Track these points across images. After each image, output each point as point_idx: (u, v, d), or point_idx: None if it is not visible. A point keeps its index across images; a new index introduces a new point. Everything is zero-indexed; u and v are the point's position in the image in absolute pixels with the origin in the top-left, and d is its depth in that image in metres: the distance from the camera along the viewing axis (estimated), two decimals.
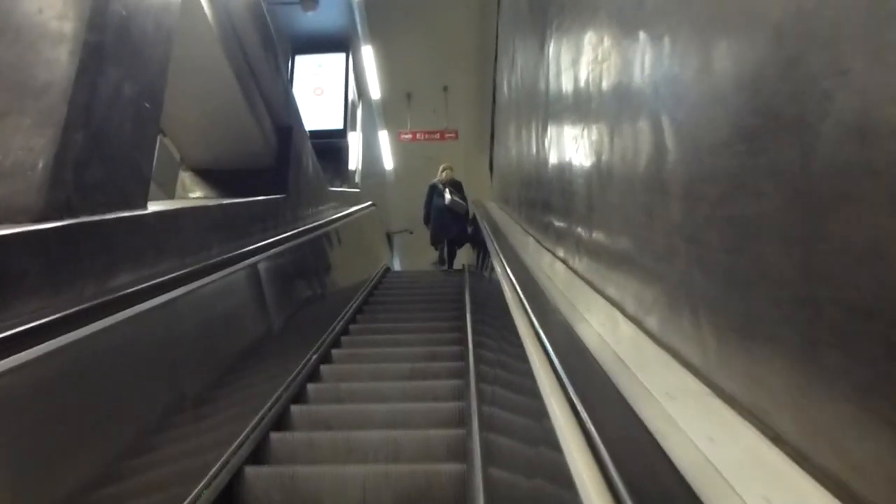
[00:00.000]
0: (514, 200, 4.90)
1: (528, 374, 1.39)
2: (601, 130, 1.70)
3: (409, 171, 14.07)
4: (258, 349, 3.13)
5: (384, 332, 4.67)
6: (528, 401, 1.41)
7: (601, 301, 1.58)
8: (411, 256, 21.07)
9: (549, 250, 2.74)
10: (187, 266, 2.46)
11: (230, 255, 2.88)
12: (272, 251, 3.51)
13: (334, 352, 4.08)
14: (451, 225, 7.79)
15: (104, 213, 2.11)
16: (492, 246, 3.96)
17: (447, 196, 7.69)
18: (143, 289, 2.01)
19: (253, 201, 3.77)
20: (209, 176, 4.67)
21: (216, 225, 3.01)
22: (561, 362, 1.17)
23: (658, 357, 1.11)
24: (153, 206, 2.53)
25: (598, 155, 1.71)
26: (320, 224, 5.13)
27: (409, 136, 11.15)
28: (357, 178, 9.64)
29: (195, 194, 4.65)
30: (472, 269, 6.99)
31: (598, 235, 1.74)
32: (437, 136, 11.08)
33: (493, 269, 3.83)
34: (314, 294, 4.33)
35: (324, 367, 3.75)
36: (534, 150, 3.49)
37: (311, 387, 3.45)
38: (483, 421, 2.51)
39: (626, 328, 1.31)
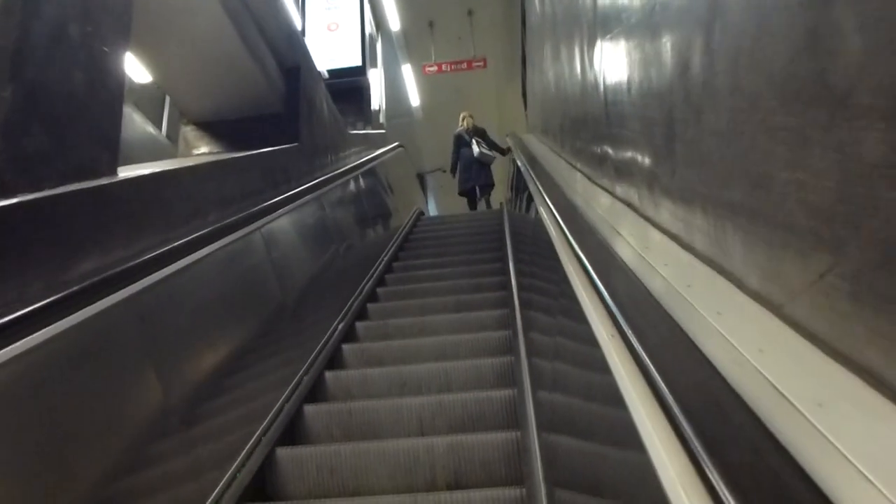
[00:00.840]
0: (555, 130, 4.39)
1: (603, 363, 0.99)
2: (687, 29, 1.23)
3: (438, 106, 13.48)
4: (272, 328, 2.79)
5: (416, 294, 4.26)
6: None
7: (703, 270, 1.14)
8: (446, 198, 20.60)
9: (605, 189, 2.28)
10: (172, 241, 2.10)
11: (228, 221, 2.50)
12: (282, 210, 3.13)
13: (358, 324, 3.70)
14: (479, 174, 7.92)
15: (54, 187, 1.73)
16: (534, 186, 3.51)
17: (475, 148, 7.77)
18: (101, 281, 1.64)
19: (257, 154, 3.37)
20: (213, 129, 4.26)
21: (212, 187, 2.62)
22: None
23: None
24: (127, 172, 2.15)
25: (684, 64, 1.24)
26: (341, 172, 4.72)
27: (434, 68, 10.53)
28: (381, 119, 9.13)
29: (199, 150, 4.26)
30: (510, 209, 6.56)
31: (688, 175, 1.28)
32: (464, 65, 10.44)
33: (534, 206, 3.41)
34: (335, 252, 3.96)
35: (345, 346, 3.38)
36: (578, 70, 2.98)
37: (328, 374, 3.10)
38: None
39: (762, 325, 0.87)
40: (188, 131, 4.30)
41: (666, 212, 1.45)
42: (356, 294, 4.01)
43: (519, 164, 5.00)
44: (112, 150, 2.07)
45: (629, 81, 1.75)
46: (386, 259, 4.93)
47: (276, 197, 3.25)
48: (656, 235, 1.46)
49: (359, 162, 5.47)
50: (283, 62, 4.28)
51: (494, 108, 14.14)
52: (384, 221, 5.71)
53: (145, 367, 1.83)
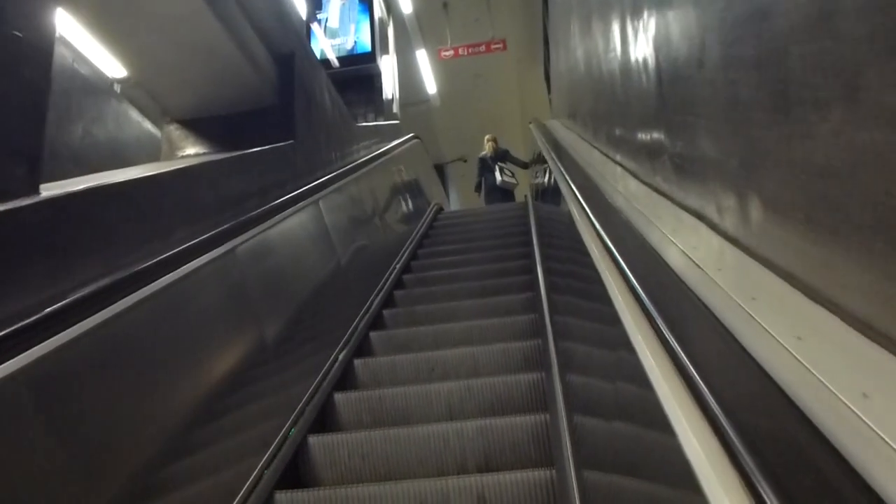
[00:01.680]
0: (585, 115, 3.92)
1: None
2: None
3: (456, 93, 13.02)
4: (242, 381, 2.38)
5: (433, 319, 3.71)
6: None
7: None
8: (468, 188, 20.10)
9: (661, 192, 1.82)
10: (117, 271, 1.69)
11: (194, 242, 2.09)
12: (267, 223, 2.71)
13: (357, 362, 3.23)
14: (503, 199, 8.51)
15: None
16: (563, 182, 3.05)
17: (498, 176, 8.44)
18: None
19: (239, 157, 2.96)
20: (199, 127, 3.86)
21: (176, 200, 2.21)
22: None
23: None
24: (55, 190, 1.74)
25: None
26: (344, 171, 4.31)
27: (451, 52, 10.05)
28: (395, 109, 8.69)
29: (185, 151, 3.87)
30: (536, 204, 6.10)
31: (823, 185, 0.83)
32: (482, 48, 9.94)
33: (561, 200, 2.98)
34: (335, 269, 3.54)
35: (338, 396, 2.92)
36: (617, 44, 2.51)
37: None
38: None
39: None
40: (171, 130, 3.92)
41: (773, 237, 0.99)
42: (352, 329, 3.48)
43: (544, 154, 4.53)
44: (31, 164, 1.66)
45: (703, 51, 1.29)
46: (394, 273, 4.47)
47: (263, 205, 2.85)
48: (760, 274, 1.01)
49: (367, 157, 5.05)
50: (275, 48, 3.86)
51: (516, 93, 13.63)
52: (396, 223, 5.28)
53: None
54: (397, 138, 7.08)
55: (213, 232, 2.16)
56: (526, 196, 7.64)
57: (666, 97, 1.66)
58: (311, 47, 4.32)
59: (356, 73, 7.86)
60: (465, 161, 17.21)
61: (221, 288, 2.23)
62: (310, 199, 3.31)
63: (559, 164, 3.43)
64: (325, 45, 8.08)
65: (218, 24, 3.23)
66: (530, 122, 7.10)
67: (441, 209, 7.77)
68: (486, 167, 8.68)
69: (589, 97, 3.61)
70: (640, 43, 1.96)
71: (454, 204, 19.30)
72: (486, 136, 8.88)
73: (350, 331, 3.37)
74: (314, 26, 8.31)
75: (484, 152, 8.81)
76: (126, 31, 3.15)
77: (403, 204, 5.76)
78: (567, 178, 2.92)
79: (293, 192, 3.15)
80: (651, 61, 1.80)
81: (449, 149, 16.37)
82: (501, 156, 8.65)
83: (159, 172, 2.28)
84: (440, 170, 16.95)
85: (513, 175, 8.57)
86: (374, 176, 4.95)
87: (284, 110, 3.82)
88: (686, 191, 1.52)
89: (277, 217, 2.86)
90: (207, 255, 2.07)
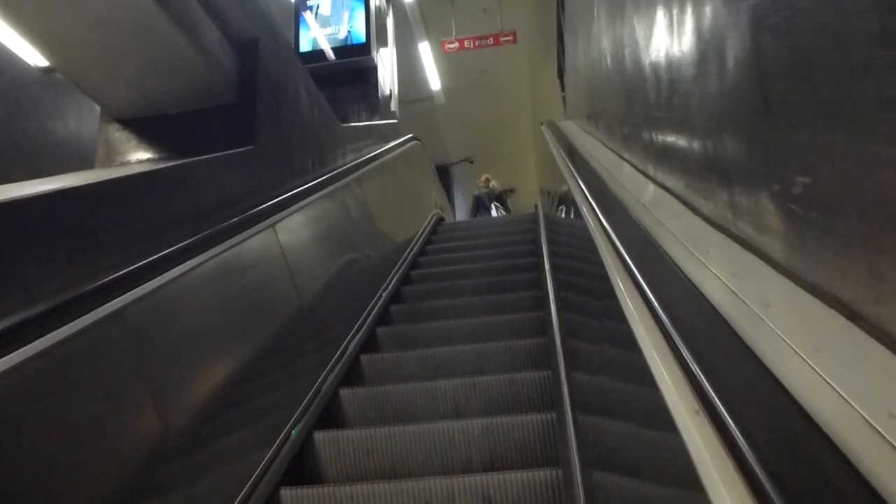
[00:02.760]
0: (611, 121, 3.31)
1: None
2: None
3: (463, 90, 12.44)
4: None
5: (418, 377, 3.15)
6: None
7: None
8: (475, 191, 19.47)
9: (747, 244, 1.22)
10: None
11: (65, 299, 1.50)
12: (191, 262, 2.12)
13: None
14: None
15: None
16: (584, 201, 2.44)
17: (493, 212, 9.11)
18: None
19: (168, 170, 2.37)
20: (145, 127, 3.28)
21: (53, 235, 1.63)
22: None
23: None
24: None
25: None
26: (321, 181, 3.72)
27: (455, 44, 9.45)
28: (393, 106, 8.09)
29: (127, 157, 3.29)
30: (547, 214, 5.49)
31: None
32: (490, 40, 9.33)
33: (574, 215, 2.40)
34: (292, 314, 2.93)
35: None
36: (668, 32, 1.91)
37: None
38: None
39: None
40: (111, 131, 3.33)
41: None
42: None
43: (558, 162, 3.92)
44: None
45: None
46: (376, 311, 3.86)
47: (195, 234, 2.26)
48: None
49: (352, 164, 4.46)
50: (234, 34, 3.28)
51: (527, 91, 13.02)
52: (386, 240, 4.68)
53: None
54: (394, 139, 6.49)
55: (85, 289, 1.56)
56: (536, 207, 7.04)
57: (775, 101, 1.05)
58: (282, 33, 3.72)
59: (349, 66, 7.27)
60: (472, 162, 16.64)
61: (99, 370, 1.63)
62: (262, 224, 2.72)
63: (578, 179, 2.83)
64: (318, 35, 7.50)
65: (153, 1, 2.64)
66: (542, 124, 6.49)
67: (442, 219, 7.18)
68: (481, 204, 9.38)
69: (617, 98, 3.01)
70: (718, 20, 1.35)
71: (459, 206, 18.73)
72: (484, 175, 9.84)
73: (311, 394, 2.78)
74: (306, 14, 7.74)
75: (480, 191, 9.48)
76: (35, 6, 2.57)
77: (396, 216, 5.17)
78: (590, 200, 2.32)
79: (232, 220, 2.55)
80: (746, 47, 1.19)
81: (454, 149, 15.79)
82: (497, 196, 9.50)
83: (47, 191, 1.70)
84: (445, 171, 16.37)
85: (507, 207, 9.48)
86: (359, 185, 4.36)
87: (244, 109, 3.24)
88: (822, 262, 0.92)
89: (212, 251, 2.27)
90: (64, 328, 1.46)
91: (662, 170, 2.05)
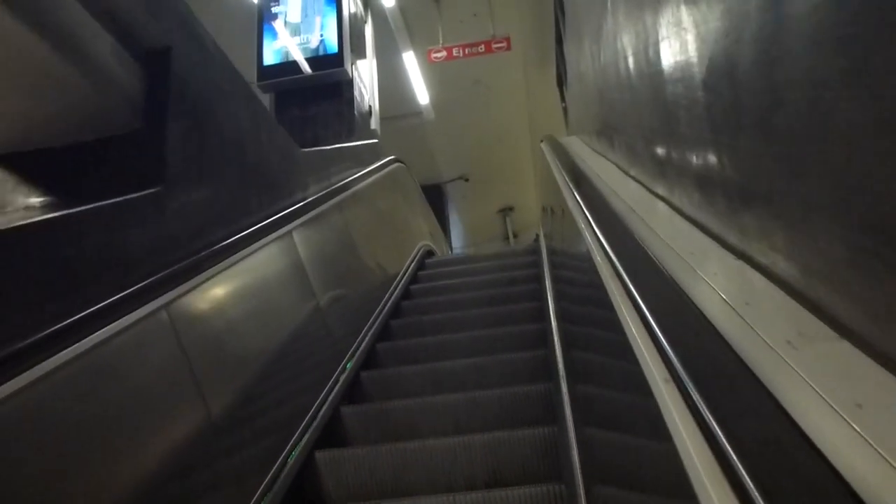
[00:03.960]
0: (633, 140, 2.62)
1: None
2: None
3: (454, 103, 11.79)
4: None
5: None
6: None
7: None
8: (471, 212, 18.70)
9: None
10: None
11: None
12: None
13: None
14: None
15: None
16: (614, 282, 1.72)
17: None
18: None
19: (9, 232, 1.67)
20: (21, 165, 2.58)
21: None
22: None
23: None
24: None
25: None
26: (265, 226, 3.02)
27: (443, 53, 8.78)
28: (373, 124, 7.41)
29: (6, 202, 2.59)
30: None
31: None
32: (482, 48, 8.67)
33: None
34: (207, 430, 2.18)
35: None
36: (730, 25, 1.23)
37: None
38: None
39: None
40: None
41: None
42: None
43: (564, 193, 3.20)
44: None
45: None
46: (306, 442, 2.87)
47: (57, 325, 1.56)
48: None
49: (313, 198, 3.76)
50: (134, 40, 2.58)
51: (523, 101, 12.37)
52: (349, 300, 3.90)
53: None
54: (374, 161, 5.80)
55: None
56: (537, 236, 6.34)
57: None
58: (209, 39, 3.04)
59: (321, 80, 6.60)
60: (467, 180, 15.97)
61: None
62: (153, 304, 2.00)
63: (594, 227, 2.10)
64: (291, 46, 6.83)
65: None
66: (542, 141, 5.80)
67: (430, 253, 6.47)
68: None
69: (646, 111, 2.31)
70: None
71: (455, 226, 18.02)
72: None
73: None
74: (276, 24, 7.06)
75: None
76: None
77: (370, 259, 4.44)
78: (619, 273, 1.61)
79: (117, 296, 1.84)
80: None
81: (447, 167, 15.13)
82: None
83: None
84: (438, 190, 15.69)
85: None
86: (321, 225, 3.65)
87: (150, 138, 2.54)
88: None
89: (62, 355, 1.56)
90: None
91: (744, 229, 1.35)
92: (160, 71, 2.65)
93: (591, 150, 4.02)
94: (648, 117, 2.20)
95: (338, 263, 3.79)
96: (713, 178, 1.51)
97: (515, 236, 19.99)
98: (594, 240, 1.92)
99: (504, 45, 8.67)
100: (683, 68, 1.67)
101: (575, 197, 2.63)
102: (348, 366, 3.29)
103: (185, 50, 2.78)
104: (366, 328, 3.74)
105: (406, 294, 4.65)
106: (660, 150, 2.05)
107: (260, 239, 3.01)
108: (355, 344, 3.56)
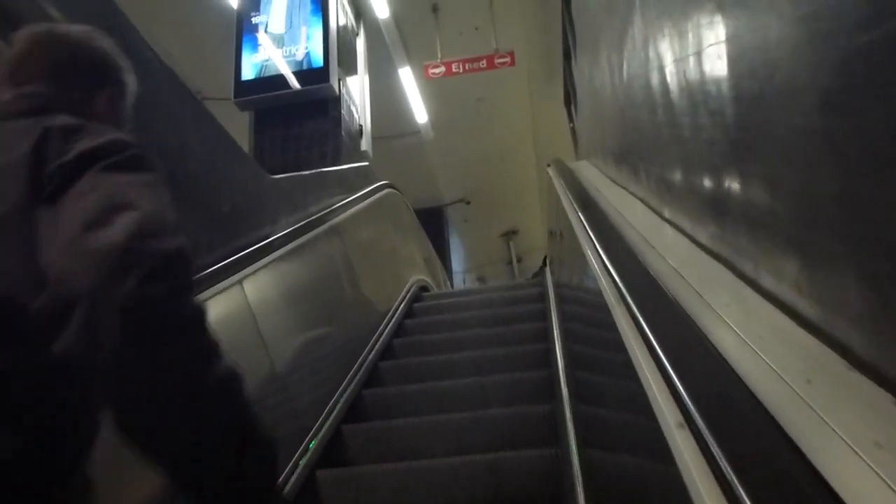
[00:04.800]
0: (667, 172, 2.11)
1: None
2: None
3: (455, 121, 11.36)
4: None
5: None
6: None
7: None
8: (474, 235, 18.17)
9: None
10: None
11: None
12: None
13: None
14: None
15: None
16: (638, 342, 1.19)
17: None
18: None
19: None
20: None
21: None
22: None
23: None
24: None
25: None
26: (212, 273, 2.50)
27: (441, 69, 8.33)
28: (364, 145, 6.92)
29: None
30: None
31: None
32: (483, 63, 8.23)
33: None
34: None
35: None
36: None
37: None
38: None
39: None
40: None
41: None
42: None
43: (576, 229, 2.66)
44: None
45: None
46: None
47: None
48: None
49: (283, 234, 3.26)
50: None
51: (528, 120, 11.92)
52: (320, 359, 3.33)
53: None
54: (363, 187, 5.30)
55: None
56: (544, 267, 5.82)
57: None
58: (145, 50, 2.53)
59: (305, 96, 6.12)
60: (469, 203, 15.51)
61: None
62: None
63: (623, 291, 1.57)
64: (276, 59, 6.37)
65: None
66: (549, 165, 5.31)
67: (424, 288, 5.95)
68: None
69: (688, 135, 1.80)
70: None
71: (456, 252, 17.51)
72: None
73: None
74: (260, 36, 6.60)
75: None
76: None
77: (344, 309, 3.89)
78: (660, 356, 1.08)
79: None
80: None
81: (447, 189, 14.66)
82: None
83: None
84: (438, 214, 15.22)
85: None
86: (280, 270, 3.12)
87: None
88: None
89: None
90: None
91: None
92: None
93: (608, 179, 3.51)
94: (700, 146, 1.69)
95: (304, 319, 3.24)
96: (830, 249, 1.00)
97: (519, 260, 19.49)
98: (622, 312, 1.41)
99: (507, 60, 8.23)
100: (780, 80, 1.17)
101: (594, 245, 2.11)
102: (311, 445, 2.74)
103: None
104: (331, 403, 3.13)
105: (387, 351, 4.07)
106: (719, 194, 1.54)
107: (208, 287, 2.49)
108: (313, 429, 2.91)
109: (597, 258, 1.99)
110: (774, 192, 1.22)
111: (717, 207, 1.57)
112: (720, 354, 1.02)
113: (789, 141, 1.11)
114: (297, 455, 2.50)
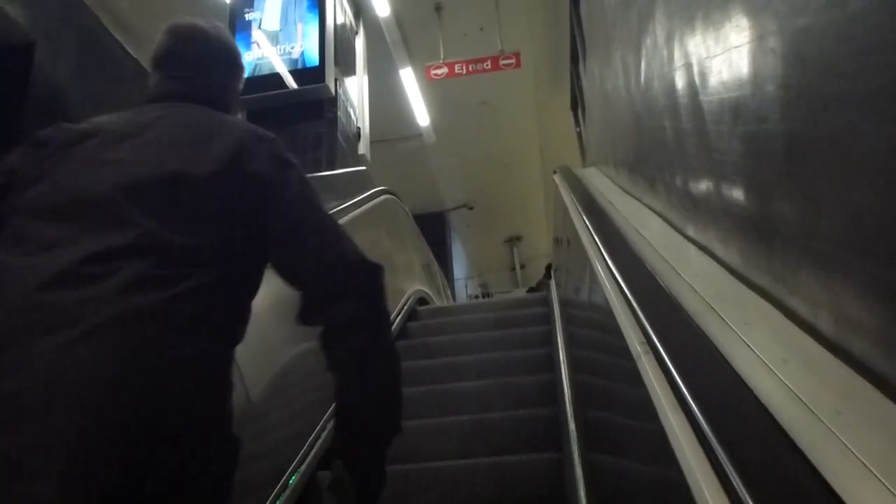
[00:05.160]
0: (692, 185, 1.86)
1: None
2: None
3: (458, 125, 11.14)
4: None
5: None
6: None
7: None
8: (477, 242, 17.90)
9: None
10: None
11: None
12: None
13: None
14: None
15: None
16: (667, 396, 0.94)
17: None
18: None
19: None
20: None
21: None
22: None
23: None
24: None
25: None
26: None
27: (444, 70, 8.09)
28: (362, 149, 6.67)
29: None
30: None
31: None
32: (488, 64, 7.98)
33: None
34: None
35: None
36: None
37: None
38: None
39: None
40: None
41: None
42: None
43: (589, 252, 2.41)
44: None
45: None
46: None
47: None
48: None
49: None
50: None
51: (534, 125, 11.68)
52: (286, 403, 3.02)
53: None
54: (360, 192, 5.05)
55: None
56: (548, 277, 5.57)
57: None
58: (107, 40, 2.30)
59: (298, 97, 5.88)
60: (472, 208, 15.27)
61: None
62: None
63: (641, 318, 1.32)
64: (272, 57, 6.12)
65: None
66: (555, 172, 5.06)
67: (422, 300, 5.69)
68: None
69: (719, 144, 1.55)
70: None
71: (458, 259, 17.25)
72: None
73: None
74: (256, 34, 6.36)
75: None
76: None
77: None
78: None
79: None
80: None
81: (450, 194, 14.42)
82: None
83: None
84: (440, 219, 14.98)
85: None
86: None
87: None
88: None
89: None
90: None
91: None
92: (17, 75, 1.91)
93: (620, 189, 3.26)
94: (742, 157, 1.44)
95: (284, 340, 2.93)
96: None
97: (523, 267, 19.24)
98: (655, 371, 1.15)
99: (513, 61, 7.98)
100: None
101: (613, 277, 1.85)
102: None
103: (56, 49, 2.03)
104: (301, 454, 2.71)
105: None
106: (766, 215, 1.29)
107: None
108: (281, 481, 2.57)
109: (613, 285, 1.73)
110: (846, 217, 0.97)
111: (761, 230, 1.32)
112: (791, 443, 0.76)
113: (874, 153, 0.86)
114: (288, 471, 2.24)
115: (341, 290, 1.27)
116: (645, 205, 2.65)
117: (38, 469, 0.83)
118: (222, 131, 1.27)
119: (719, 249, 1.62)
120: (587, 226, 2.45)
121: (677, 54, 1.93)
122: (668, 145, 2.17)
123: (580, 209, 2.98)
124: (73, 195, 1.11)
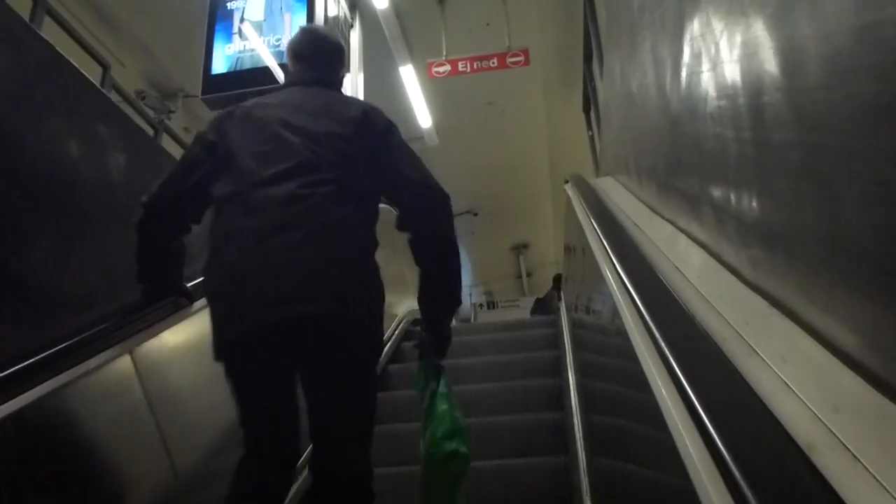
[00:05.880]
0: (780, 222, 1.40)
1: None
2: None
3: (462, 127, 10.74)
4: None
5: None
6: None
7: None
8: (484, 247, 17.42)
9: None
10: None
11: None
12: None
13: None
14: None
15: None
16: None
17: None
18: None
19: None
20: None
21: None
22: None
23: None
24: None
25: None
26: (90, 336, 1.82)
27: (446, 67, 7.65)
28: None
29: None
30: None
31: None
32: (494, 62, 7.54)
33: None
34: None
35: None
36: None
37: None
38: None
39: None
40: None
41: None
42: None
43: (611, 285, 1.95)
44: None
45: None
46: None
47: None
48: None
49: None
50: None
51: (543, 127, 11.25)
52: None
53: None
54: None
55: None
56: (557, 304, 5.12)
57: None
58: (25, 34, 1.85)
59: None
60: (476, 214, 14.83)
61: None
62: None
63: (698, 409, 0.87)
64: (260, 49, 5.68)
65: None
66: (566, 182, 4.60)
67: (416, 322, 5.23)
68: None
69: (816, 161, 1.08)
70: None
71: (462, 267, 16.77)
72: None
73: None
74: (244, 27, 5.93)
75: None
76: None
77: None
78: None
79: None
80: None
81: (454, 199, 13.77)
82: None
83: None
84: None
85: None
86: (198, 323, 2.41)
87: None
88: None
89: None
90: None
91: None
92: None
93: (646, 206, 2.80)
94: (846, 182, 0.97)
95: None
96: None
97: (529, 275, 18.83)
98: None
99: (521, 59, 7.53)
100: None
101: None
102: None
103: None
104: None
105: None
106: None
107: (87, 357, 1.80)
108: None
109: (649, 348, 1.27)
110: None
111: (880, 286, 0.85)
112: None
113: None
114: None
115: (427, 206, 2.09)
116: (680, 229, 2.19)
117: (314, 291, 1.75)
118: (350, 106, 2.10)
119: (801, 308, 1.16)
120: (612, 261, 2.00)
121: (742, 38, 1.46)
122: (721, 158, 1.70)
123: (600, 234, 2.53)
124: (278, 148, 1.89)
